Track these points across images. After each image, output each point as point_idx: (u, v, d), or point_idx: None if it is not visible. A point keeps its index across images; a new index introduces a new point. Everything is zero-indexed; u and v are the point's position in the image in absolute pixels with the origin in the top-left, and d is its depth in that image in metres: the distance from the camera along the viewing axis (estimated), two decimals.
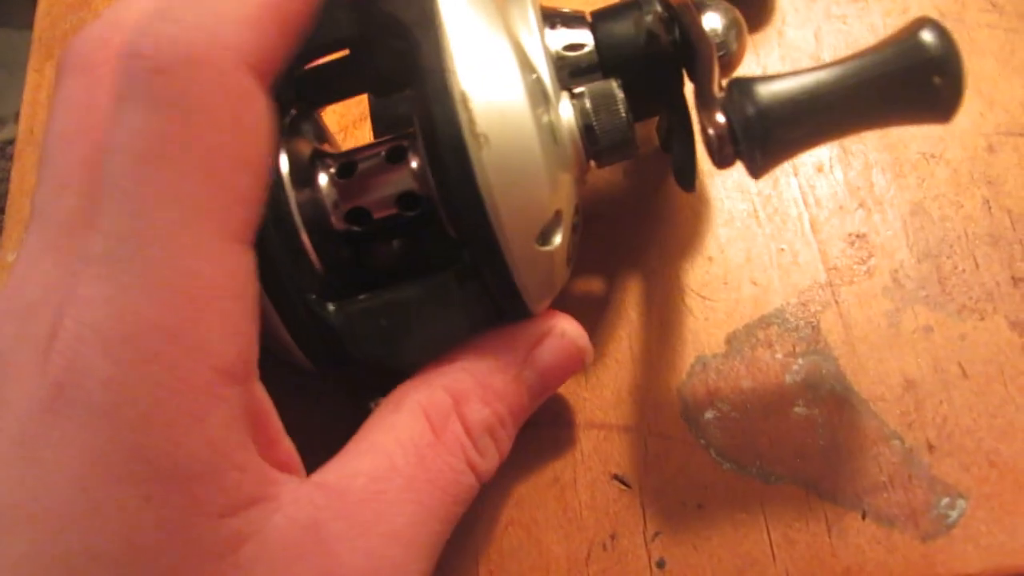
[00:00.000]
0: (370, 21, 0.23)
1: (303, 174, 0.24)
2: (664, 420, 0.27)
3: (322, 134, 0.28)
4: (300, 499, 0.20)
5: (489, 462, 0.24)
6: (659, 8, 0.25)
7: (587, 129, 0.24)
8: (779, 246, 0.29)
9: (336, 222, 0.25)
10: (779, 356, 0.28)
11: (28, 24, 0.39)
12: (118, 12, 0.21)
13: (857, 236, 0.29)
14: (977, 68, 0.31)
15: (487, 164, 0.21)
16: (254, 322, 0.20)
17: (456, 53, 0.22)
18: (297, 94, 0.25)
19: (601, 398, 0.28)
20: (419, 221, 0.25)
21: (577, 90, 0.24)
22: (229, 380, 0.19)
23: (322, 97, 0.26)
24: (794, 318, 0.28)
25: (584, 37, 0.26)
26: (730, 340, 0.28)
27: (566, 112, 0.24)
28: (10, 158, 0.38)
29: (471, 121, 0.21)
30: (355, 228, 0.25)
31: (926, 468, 0.26)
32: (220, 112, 0.19)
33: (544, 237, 0.23)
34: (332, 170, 0.25)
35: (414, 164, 0.25)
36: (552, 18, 0.25)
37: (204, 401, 0.18)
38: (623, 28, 0.26)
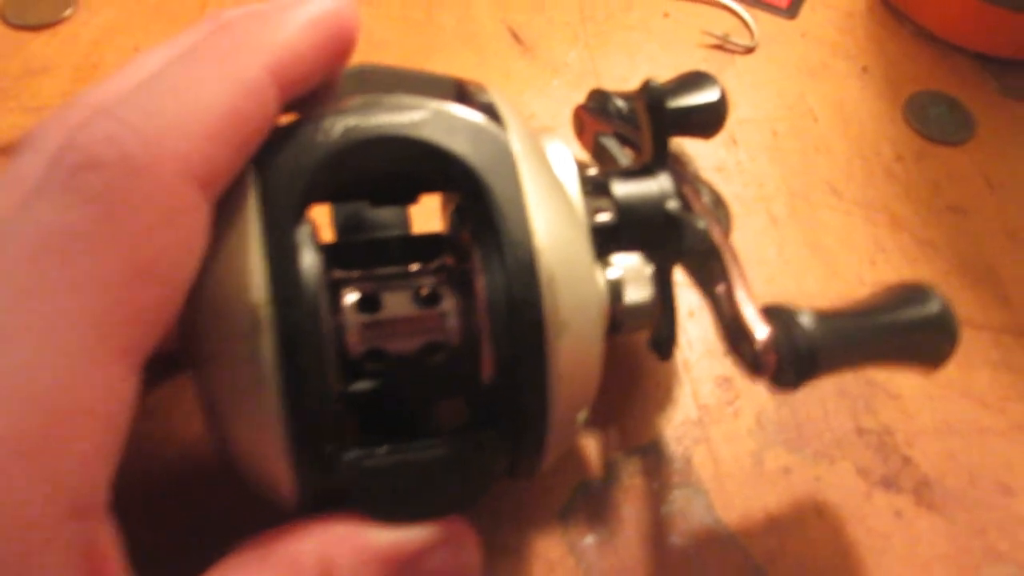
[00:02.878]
0: (429, 156, 0.21)
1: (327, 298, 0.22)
2: (546, 543, 0.27)
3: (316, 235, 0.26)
4: None
5: None
6: (675, 189, 0.27)
7: (614, 302, 0.24)
8: (655, 381, 0.31)
9: (353, 355, 0.22)
10: (655, 487, 0.29)
11: None
12: (87, 95, 0.20)
13: (724, 379, 0.31)
14: (822, 241, 0.35)
15: (561, 352, 0.21)
16: (117, 451, 0.17)
17: (537, 222, 0.21)
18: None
19: (484, 520, 0.27)
20: (440, 367, 0.24)
21: (605, 260, 0.24)
22: (71, 515, 0.16)
23: (319, 198, 0.24)
24: (669, 450, 0.29)
25: (604, 202, 0.26)
26: (609, 467, 0.29)
27: (600, 282, 0.24)
28: None
29: (556, 308, 0.20)
30: (370, 364, 0.23)
31: None
32: (145, 219, 0.17)
33: (581, 415, 0.23)
34: (354, 298, 0.23)
35: (446, 308, 0.23)
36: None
37: (35, 537, 0.15)
38: (646, 203, 0.26)
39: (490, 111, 0.23)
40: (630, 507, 0.28)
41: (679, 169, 0.28)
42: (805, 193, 0.37)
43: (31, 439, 0.15)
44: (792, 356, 0.23)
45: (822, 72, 0.41)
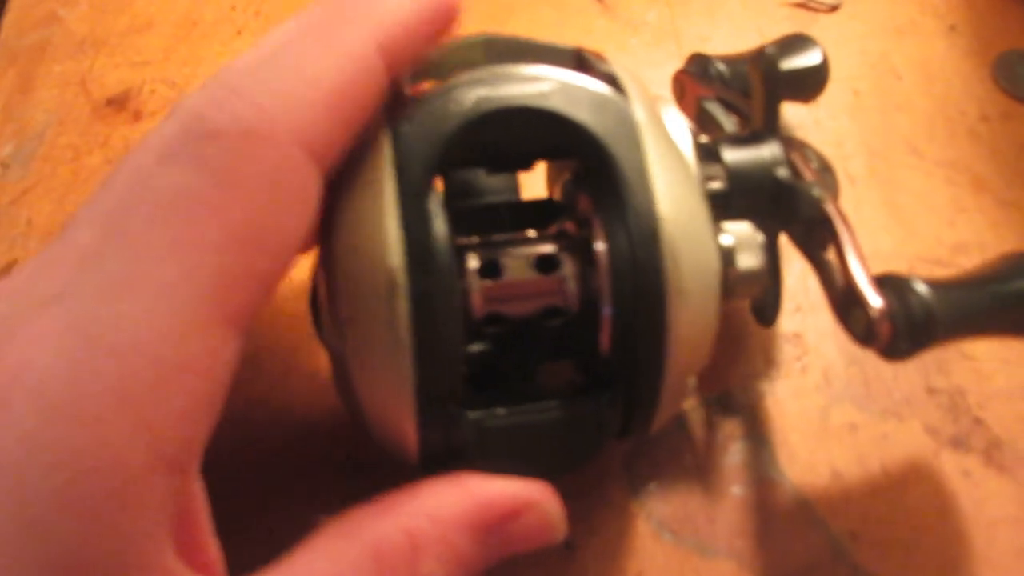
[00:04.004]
0: (557, 126, 0.22)
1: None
2: (610, 488, 0.28)
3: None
4: None
5: None
6: (785, 156, 0.27)
7: (726, 268, 0.24)
8: (725, 335, 0.31)
9: (476, 318, 0.23)
10: (720, 437, 0.29)
11: None
12: (224, 70, 0.20)
13: (794, 335, 0.31)
14: (900, 201, 0.35)
15: (681, 319, 0.21)
16: (214, 412, 0.18)
17: (659, 191, 0.21)
18: None
19: None
20: (553, 330, 0.24)
21: (718, 227, 0.24)
22: (167, 468, 0.17)
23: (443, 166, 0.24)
24: (736, 403, 0.30)
25: (716, 169, 0.26)
26: (676, 418, 0.30)
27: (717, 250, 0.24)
28: None
29: (678, 275, 0.21)
30: (489, 328, 0.24)
31: (849, 554, 0.27)
32: (260, 186, 0.18)
33: (692, 379, 0.23)
34: (476, 263, 0.23)
35: (566, 273, 0.24)
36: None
37: (134, 487, 0.16)
38: (757, 170, 0.26)
39: (612, 81, 0.23)
40: (693, 456, 0.29)
41: (787, 135, 0.28)
42: (884, 153, 0.36)
43: (136, 390, 0.16)
44: (908, 326, 0.23)
45: (908, 30, 0.40)
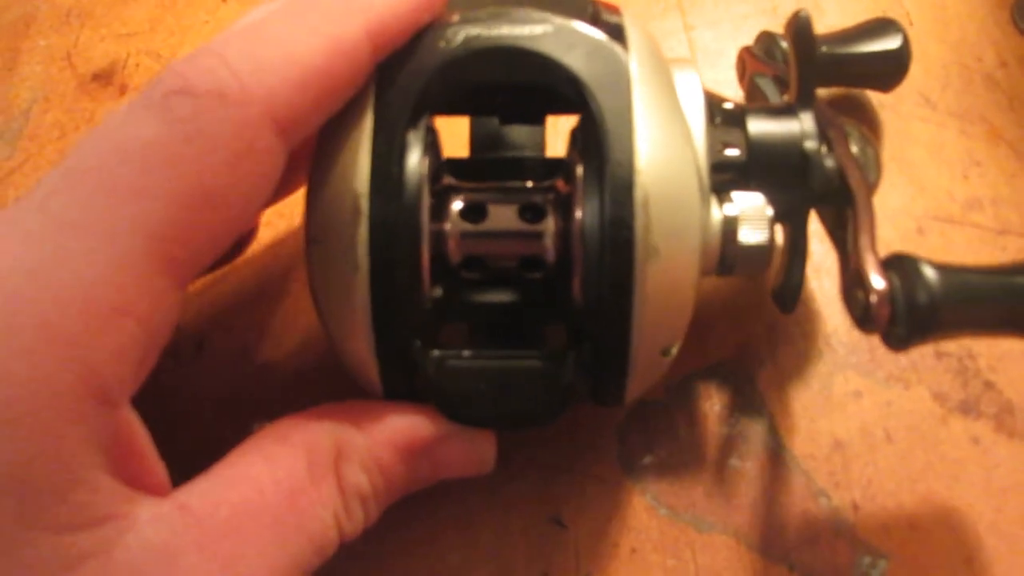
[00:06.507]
0: (544, 69, 0.22)
1: (434, 199, 0.23)
2: (602, 463, 0.28)
3: (437, 143, 0.25)
4: (158, 521, 0.19)
5: (354, 525, 0.22)
6: (817, 131, 0.25)
7: (727, 241, 0.23)
8: (721, 300, 0.30)
9: (453, 261, 0.23)
10: (717, 408, 0.28)
11: None
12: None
13: None
14: (909, 155, 0.33)
15: (649, 277, 0.21)
16: (149, 355, 0.19)
17: (642, 144, 0.21)
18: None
19: (541, 438, 0.28)
20: (534, 282, 0.24)
21: (726, 196, 0.24)
22: (98, 401, 0.17)
23: (446, 109, 0.24)
24: (734, 371, 0.29)
25: (736, 136, 0.25)
26: (670, 389, 0.29)
27: (715, 216, 0.23)
28: None
29: (647, 230, 0.20)
30: (467, 273, 0.24)
31: (851, 527, 0.26)
32: (224, 149, 0.18)
33: (668, 350, 0.22)
34: (461, 205, 0.23)
35: (547, 226, 0.23)
36: (711, 108, 0.25)
37: (66, 415, 0.17)
38: (781, 142, 0.25)
39: (617, 32, 0.22)
40: (690, 429, 0.28)
41: (828, 113, 0.26)
42: (893, 104, 0.35)
43: (69, 326, 0.17)
44: (908, 311, 0.21)
45: None
